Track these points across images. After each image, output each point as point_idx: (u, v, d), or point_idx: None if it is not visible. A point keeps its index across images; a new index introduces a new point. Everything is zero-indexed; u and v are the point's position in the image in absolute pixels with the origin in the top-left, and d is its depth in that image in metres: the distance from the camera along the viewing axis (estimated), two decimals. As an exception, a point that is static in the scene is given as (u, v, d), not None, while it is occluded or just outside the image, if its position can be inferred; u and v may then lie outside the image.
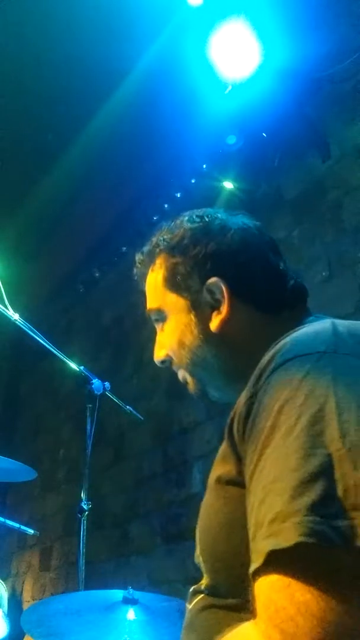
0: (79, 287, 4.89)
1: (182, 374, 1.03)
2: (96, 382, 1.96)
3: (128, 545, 3.59)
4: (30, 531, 2.51)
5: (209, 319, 0.96)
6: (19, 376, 5.79)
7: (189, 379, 1.02)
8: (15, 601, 4.44)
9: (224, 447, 0.78)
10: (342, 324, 0.77)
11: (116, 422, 3.80)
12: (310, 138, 2.97)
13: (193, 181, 3.72)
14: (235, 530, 0.66)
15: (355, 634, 0.52)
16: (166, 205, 3.96)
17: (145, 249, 1.07)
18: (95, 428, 1.96)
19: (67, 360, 1.98)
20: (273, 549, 0.55)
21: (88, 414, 1.96)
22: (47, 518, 4.52)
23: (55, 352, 1.98)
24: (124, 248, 4.33)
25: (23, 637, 1.29)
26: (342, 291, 2.62)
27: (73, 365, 1.98)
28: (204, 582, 0.79)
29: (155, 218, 4.01)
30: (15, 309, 1.90)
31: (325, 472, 0.56)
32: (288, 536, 0.54)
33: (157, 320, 1.06)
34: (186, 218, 1.05)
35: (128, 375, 4.02)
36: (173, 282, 1.00)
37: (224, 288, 0.95)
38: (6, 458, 2.20)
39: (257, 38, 2.68)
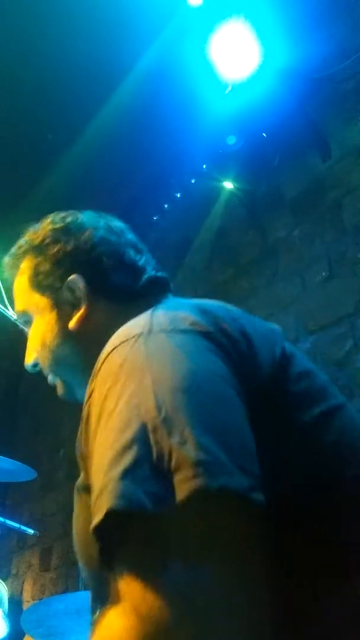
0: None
1: (50, 378, 1.03)
2: (96, 382, 1.95)
3: (128, 545, 3.58)
4: (30, 531, 2.51)
5: (70, 317, 0.97)
6: (19, 376, 5.79)
7: (57, 381, 1.02)
8: (15, 601, 4.44)
9: (78, 452, 0.77)
10: (171, 304, 0.81)
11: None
12: (310, 138, 2.97)
13: (193, 181, 3.72)
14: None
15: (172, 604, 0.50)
16: (166, 205, 3.96)
17: (11, 251, 1.08)
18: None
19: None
20: (95, 526, 0.54)
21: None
22: (47, 518, 4.52)
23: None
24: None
25: (23, 637, 1.29)
26: (342, 291, 2.62)
27: (73, 365, 1.98)
28: (91, 594, 0.78)
29: (155, 218, 4.01)
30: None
31: (140, 440, 0.56)
32: (101, 506, 0.53)
33: (24, 323, 1.06)
34: (49, 219, 1.07)
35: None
36: (36, 283, 1.01)
37: (81, 285, 0.96)
38: (6, 458, 2.20)
39: (257, 38, 2.68)
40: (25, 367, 1.06)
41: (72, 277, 0.97)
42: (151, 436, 0.56)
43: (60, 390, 1.02)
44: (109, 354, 0.71)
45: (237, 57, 2.72)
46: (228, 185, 3.38)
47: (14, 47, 3.04)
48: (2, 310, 1.88)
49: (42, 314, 1.00)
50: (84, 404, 0.74)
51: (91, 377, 0.73)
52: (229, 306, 0.79)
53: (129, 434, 0.57)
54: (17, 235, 1.09)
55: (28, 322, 1.05)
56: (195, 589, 0.50)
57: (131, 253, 1.02)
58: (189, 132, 3.39)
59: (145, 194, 3.99)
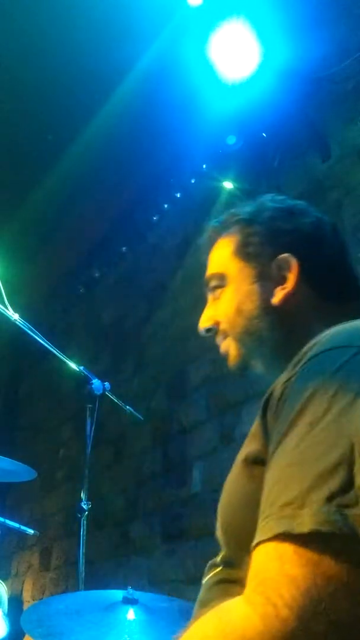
0: (79, 287, 4.88)
1: (226, 345, 1.02)
2: (96, 382, 1.96)
3: (128, 545, 3.59)
4: (30, 531, 2.51)
5: (272, 292, 0.96)
6: (19, 376, 5.79)
7: (236, 349, 1.00)
8: (15, 601, 4.44)
9: (255, 425, 0.79)
10: None
11: (116, 422, 3.80)
12: (310, 138, 2.97)
13: (193, 181, 3.72)
14: (254, 507, 0.68)
15: (339, 621, 0.53)
16: (166, 205, 3.96)
17: (222, 217, 1.08)
18: (95, 428, 1.96)
19: (67, 360, 1.98)
20: (286, 532, 0.56)
21: (88, 414, 1.96)
22: (47, 518, 4.52)
23: (55, 352, 1.98)
24: (124, 248, 4.33)
25: (23, 637, 1.29)
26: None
27: (73, 365, 1.98)
28: (220, 555, 0.82)
29: (155, 218, 4.01)
30: (15, 309, 1.90)
31: (346, 461, 0.58)
32: (304, 522, 0.56)
33: (214, 287, 1.05)
34: (268, 197, 1.06)
35: (128, 375, 4.02)
36: (244, 251, 1.01)
37: (295, 265, 0.96)
38: (6, 458, 2.20)
39: (257, 38, 2.67)
40: (198, 330, 1.05)
41: (285, 255, 0.96)
42: (357, 459, 0.58)
43: (235, 359, 1.01)
44: (324, 351, 0.71)
45: (237, 57, 2.71)
46: (228, 185, 3.37)
47: (14, 48, 3.04)
48: (2, 310, 1.88)
49: (243, 281, 1.00)
50: (280, 383, 0.74)
51: (297, 361, 0.74)
52: None
53: (337, 454, 0.59)
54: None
55: (218, 286, 1.04)
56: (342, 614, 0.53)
57: (343, 251, 1.02)
58: (189, 132, 3.39)
59: (145, 194, 3.99)
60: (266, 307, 0.96)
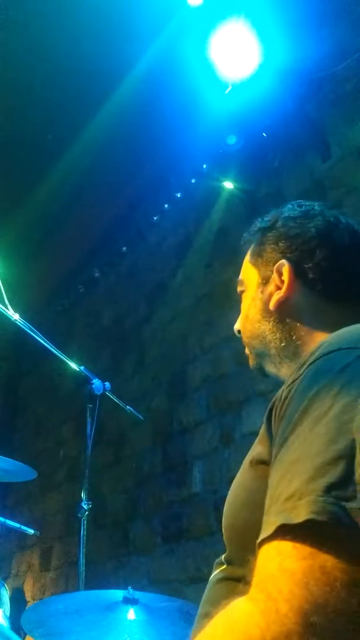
0: (79, 287, 4.89)
1: (247, 349, 1.09)
2: (96, 382, 1.96)
3: (128, 545, 3.59)
4: (30, 531, 2.50)
5: (270, 297, 1.01)
6: (19, 376, 5.79)
7: (249, 353, 1.07)
8: (15, 601, 4.44)
9: (261, 429, 0.81)
10: None
11: (116, 422, 3.80)
12: (310, 138, 2.97)
13: (193, 181, 3.72)
14: (257, 506, 0.69)
15: (338, 613, 0.53)
16: (166, 205, 3.96)
17: (251, 228, 1.14)
18: (95, 428, 1.96)
19: (67, 360, 1.98)
20: (284, 523, 0.57)
21: (88, 414, 1.96)
22: (47, 518, 4.52)
23: (55, 352, 1.98)
24: (124, 248, 4.33)
25: (23, 637, 1.29)
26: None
27: (73, 365, 1.98)
28: (225, 553, 0.85)
29: (155, 218, 4.01)
30: (15, 309, 1.90)
31: (347, 456, 0.59)
32: (300, 513, 0.57)
33: (240, 293, 1.11)
34: (289, 204, 1.10)
35: (128, 375, 4.02)
36: (254, 258, 1.07)
37: (287, 269, 0.99)
38: (6, 458, 2.20)
39: (257, 38, 2.67)
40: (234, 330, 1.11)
41: (281, 260, 1.00)
42: (358, 453, 0.59)
43: (251, 362, 1.08)
44: (328, 353, 0.73)
45: (237, 57, 2.71)
46: (228, 185, 3.38)
47: (15, 47, 3.04)
48: (2, 310, 1.88)
49: (252, 288, 1.06)
50: (285, 385, 0.76)
51: (302, 363, 0.76)
52: None
53: (337, 448, 0.60)
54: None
55: (241, 292, 1.11)
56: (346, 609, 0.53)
57: (351, 256, 1.02)
58: (189, 132, 3.40)
59: (146, 194, 4.00)
60: (266, 312, 1.01)
